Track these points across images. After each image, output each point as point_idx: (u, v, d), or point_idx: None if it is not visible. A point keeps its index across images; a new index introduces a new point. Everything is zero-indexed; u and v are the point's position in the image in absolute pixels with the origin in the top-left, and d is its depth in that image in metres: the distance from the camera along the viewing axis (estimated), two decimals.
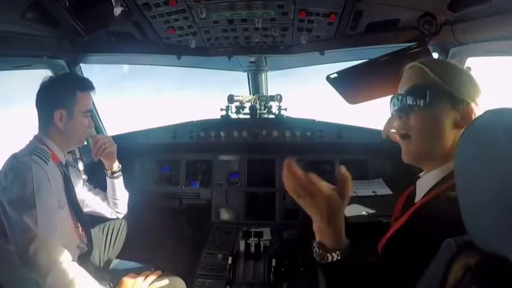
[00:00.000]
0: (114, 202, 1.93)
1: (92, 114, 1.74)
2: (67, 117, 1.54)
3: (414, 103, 0.97)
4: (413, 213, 0.91)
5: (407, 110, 0.99)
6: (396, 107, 1.05)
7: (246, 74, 2.73)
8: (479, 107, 0.94)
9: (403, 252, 0.83)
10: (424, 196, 0.98)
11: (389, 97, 1.12)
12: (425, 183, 1.01)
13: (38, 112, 1.57)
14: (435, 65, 1.00)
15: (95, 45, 2.00)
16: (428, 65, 0.99)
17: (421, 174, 1.08)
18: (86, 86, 1.62)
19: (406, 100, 1.00)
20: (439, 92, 0.94)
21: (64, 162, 1.61)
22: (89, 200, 1.88)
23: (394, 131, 1.23)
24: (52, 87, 1.58)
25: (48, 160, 1.43)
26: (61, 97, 1.54)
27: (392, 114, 1.13)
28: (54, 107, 1.52)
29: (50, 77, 1.84)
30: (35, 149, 1.43)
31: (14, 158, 1.40)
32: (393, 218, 1.17)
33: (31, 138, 1.56)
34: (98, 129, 2.49)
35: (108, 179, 1.89)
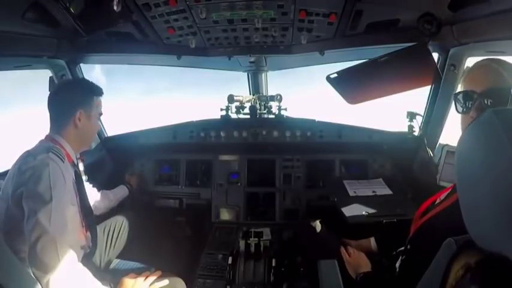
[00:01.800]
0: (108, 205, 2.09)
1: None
2: (85, 117, 1.60)
3: (493, 104, 0.99)
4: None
5: (484, 109, 1.00)
6: (473, 106, 1.04)
7: (245, 73, 2.74)
8: None
9: (446, 232, 0.87)
10: None
11: (389, 97, 1.14)
12: None
13: (55, 112, 1.58)
14: (508, 66, 1.02)
15: (95, 45, 2.00)
16: (503, 66, 1.02)
17: None
18: (101, 91, 1.71)
19: (485, 100, 1.01)
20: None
21: (76, 163, 1.64)
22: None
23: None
24: (72, 89, 1.64)
25: (64, 159, 1.46)
26: (82, 99, 1.61)
27: (460, 111, 1.12)
28: (75, 107, 1.57)
29: (66, 78, 1.97)
30: (52, 147, 1.45)
31: (29, 155, 1.41)
32: (419, 213, 1.23)
33: (42, 138, 1.56)
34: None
35: (124, 189, 2.28)
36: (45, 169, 1.33)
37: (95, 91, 1.67)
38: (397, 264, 1.20)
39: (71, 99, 1.59)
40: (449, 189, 1.18)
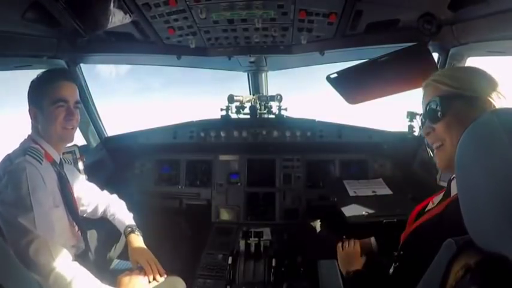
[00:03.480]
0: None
1: (80, 107, 1.60)
2: (39, 113, 1.47)
3: (432, 116, 1.03)
4: (447, 206, 0.99)
5: (430, 125, 1.05)
6: (422, 127, 1.11)
7: (245, 73, 2.74)
8: (501, 99, 0.94)
9: (435, 239, 0.86)
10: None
11: (389, 97, 1.15)
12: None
13: None
14: (444, 78, 1.03)
15: (95, 45, 2.00)
16: (438, 80, 1.03)
17: (452, 177, 1.14)
18: (53, 76, 1.53)
19: (425, 117, 1.06)
20: (452, 97, 0.98)
21: (58, 161, 1.57)
22: (86, 199, 1.86)
23: None
24: (29, 88, 1.53)
25: (42, 160, 1.41)
26: (33, 95, 1.50)
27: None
28: (29, 107, 1.49)
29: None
30: (28, 149, 1.40)
31: (8, 159, 1.38)
32: (412, 217, 1.23)
33: (25, 137, 1.52)
34: (98, 130, 2.49)
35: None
36: (22, 174, 1.30)
37: (44, 80, 1.49)
38: (391, 270, 1.19)
39: (28, 100, 1.51)
40: (441, 193, 1.18)
